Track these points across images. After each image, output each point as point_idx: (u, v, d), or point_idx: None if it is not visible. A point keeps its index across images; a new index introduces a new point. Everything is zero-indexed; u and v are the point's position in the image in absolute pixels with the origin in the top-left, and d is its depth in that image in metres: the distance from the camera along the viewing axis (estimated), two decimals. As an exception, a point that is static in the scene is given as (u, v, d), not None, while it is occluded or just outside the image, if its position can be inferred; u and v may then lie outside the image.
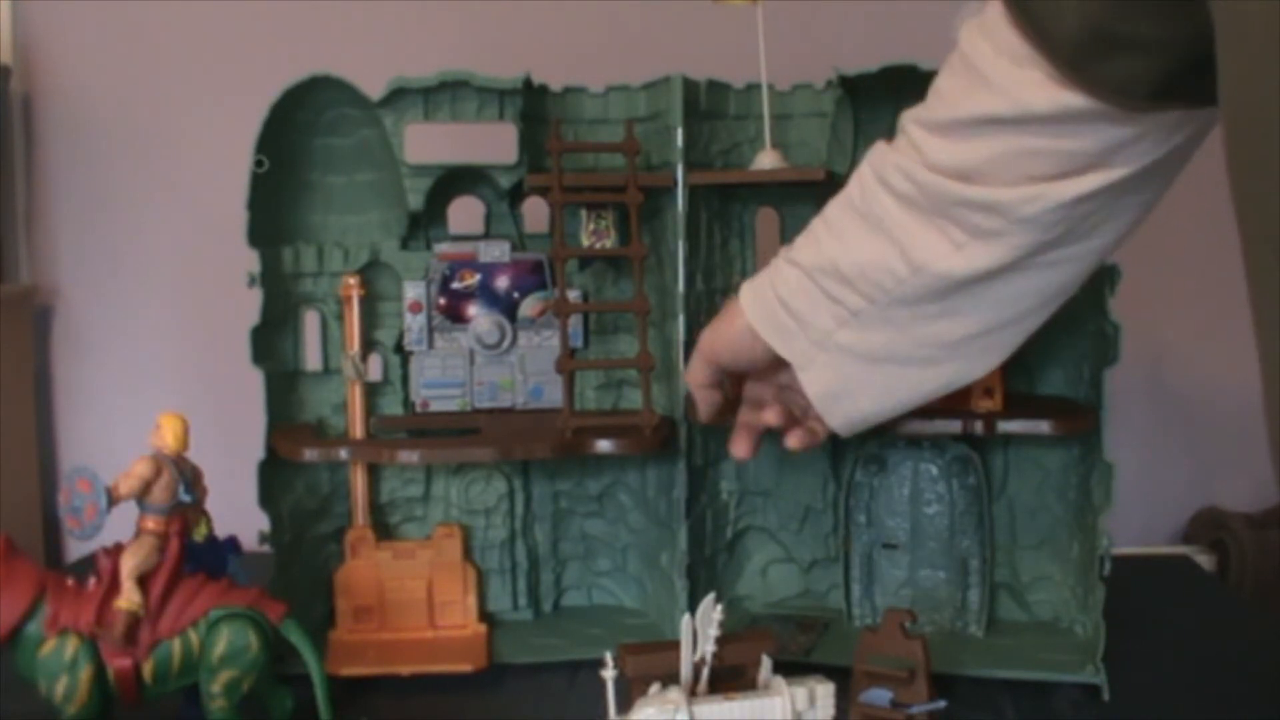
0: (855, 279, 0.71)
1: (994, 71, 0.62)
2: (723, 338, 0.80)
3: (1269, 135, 0.45)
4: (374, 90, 0.98)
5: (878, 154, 0.71)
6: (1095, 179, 0.63)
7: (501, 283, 1.07)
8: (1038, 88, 0.61)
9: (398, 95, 0.98)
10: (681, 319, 1.00)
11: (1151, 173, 0.64)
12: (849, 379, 0.75)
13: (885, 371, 0.74)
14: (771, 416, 0.82)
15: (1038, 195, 0.64)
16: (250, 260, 0.99)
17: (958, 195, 0.65)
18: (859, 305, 0.72)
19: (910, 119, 0.69)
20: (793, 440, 0.82)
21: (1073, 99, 0.60)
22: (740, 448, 0.85)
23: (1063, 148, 0.62)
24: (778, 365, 0.79)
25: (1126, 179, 0.64)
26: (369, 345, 1.06)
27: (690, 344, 1.01)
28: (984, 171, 0.65)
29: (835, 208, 0.74)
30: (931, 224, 0.68)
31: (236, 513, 0.94)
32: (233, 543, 0.93)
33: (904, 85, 0.97)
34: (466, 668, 0.96)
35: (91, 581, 0.81)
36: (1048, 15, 0.58)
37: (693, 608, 0.74)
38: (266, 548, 0.99)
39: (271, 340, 1.02)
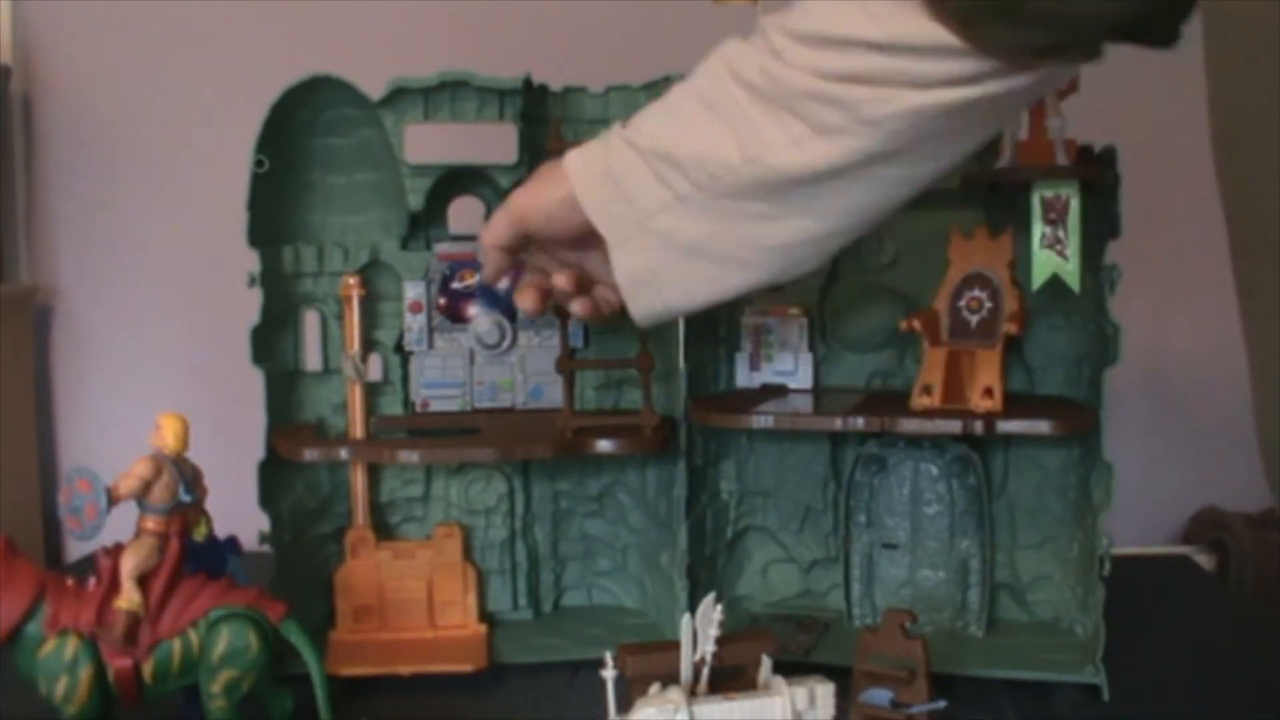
0: (687, 163, 0.70)
1: (875, 5, 0.62)
2: (538, 202, 0.77)
3: (1257, 137, 0.45)
4: (374, 90, 0.98)
5: (731, 48, 0.70)
6: (949, 95, 0.63)
7: (501, 283, 1.07)
8: (914, 21, 0.60)
9: (398, 95, 0.98)
10: (681, 319, 1.00)
11: (1001, 102, 0.64)
12: (659, 267, 0.74)
13: (696, 267, 0.73)
14: (563, 280, 0.80)
15: (889, 98, 0.63)
16: (250, 260, 0.99)
17: (808, 86, 0.65)
18: (686, 190, 0.70)
19: (774, 26, 0.67)
20: (578, 307, 0.80)
21: (950, 39, 0.60)
22: (528, 300, 0.82)
23: (924, 69, 0.62)
24: (586, 240, 0.77)
25: (977, 100, 0.63)
26: (369, 345, 1.06)
27: (690, 343, 1.01)
28: (840, 71, 0.64)
29: (679, 93, 0.72)
30: (775, 116, 0.67)
31: (236, 513, 0.94)
32: (233, 543, 0.93)
33: (904, 85, 0.97)
34: (466, 668, 0.96)
35: (91, 581, 0.81)
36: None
37: (693, 608, 0.74)
38: (266, 548, 0.99)
39: (271, 340, 1.02)
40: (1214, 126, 0.49)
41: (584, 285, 0.81)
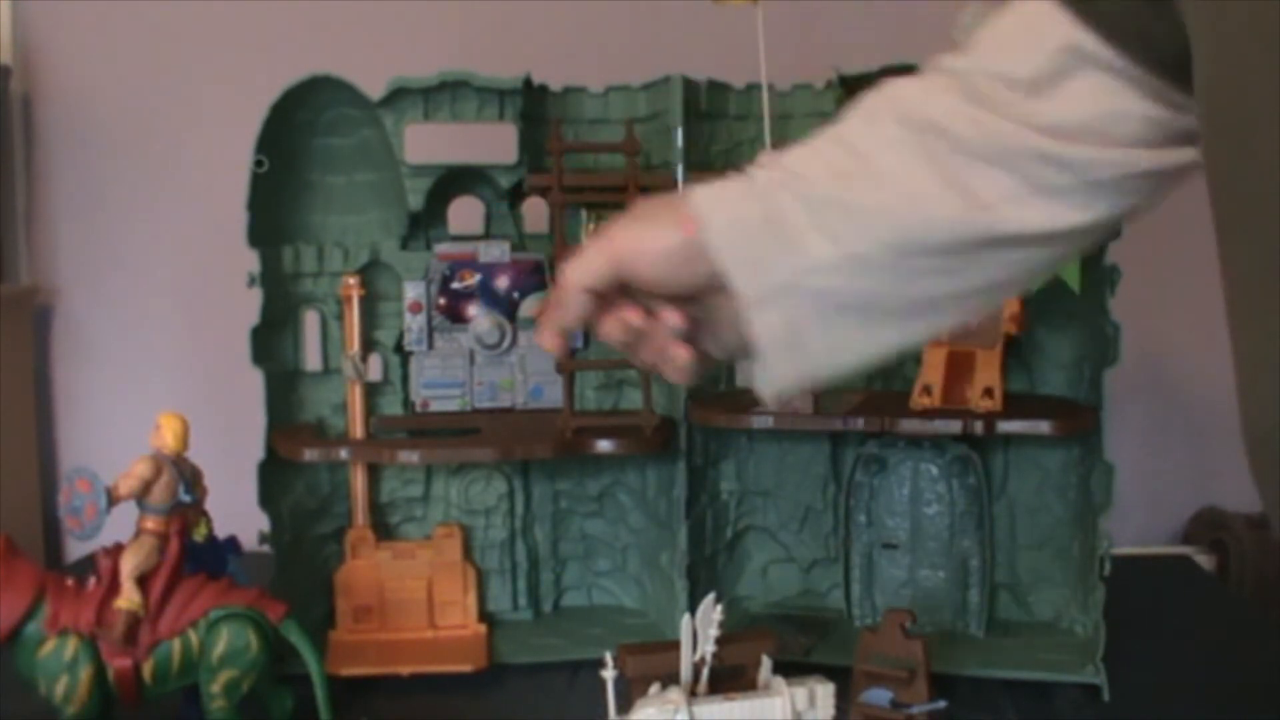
0: (872, 216, 0.61)
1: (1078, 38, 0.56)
2: (649, 248, 0.63)
3: (1246, 134, 0.45)
4: (374, 90, 0.98)
5: (915, 90, 0.63)
6: (1185, 154, 0.58)
7: (501, 283, 1.07)
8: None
9: (398, 95, 0.98)
10: (681, 319, 1.00)
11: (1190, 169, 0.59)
12: (805, 328, 0.63)
13: (849, 327, 0.63)
14: (676, 319, 0.65)
15: (1123, 160, 0.57)
16: (250, 260, 0.99)
17: (1032, 146, 0.58)
18: (863, 248, 0.61)
19: (977, 70, 0.60)
20: (672, 374, 0.67)
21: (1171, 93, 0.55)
22: (549, 341, 0.70)
23: (1154, 114, 0.57)
24: (705, 294, 0.64)
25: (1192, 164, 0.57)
26: (369, 345, 1.06)
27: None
28: (1084, 130, 0.58)
29: (856, 135, 0.63)
30: (984, 171, 0.60)
31: (236, 513, 0.94)
32: (233, 543, 0.93)
33: (904, 85, 0.97)
34: (466, 668, 0.96)
35: (91, 581, 0.81)
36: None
37: (693, 608, 0.74)
38: (266, 548, 0.99)
39: (271, 340, 1.02)
40: (1203, 119, 0.49)
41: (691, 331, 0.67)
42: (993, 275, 0.63)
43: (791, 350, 0.64)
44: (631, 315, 0.65)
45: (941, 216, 0.60)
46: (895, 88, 0.64)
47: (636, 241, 0.64)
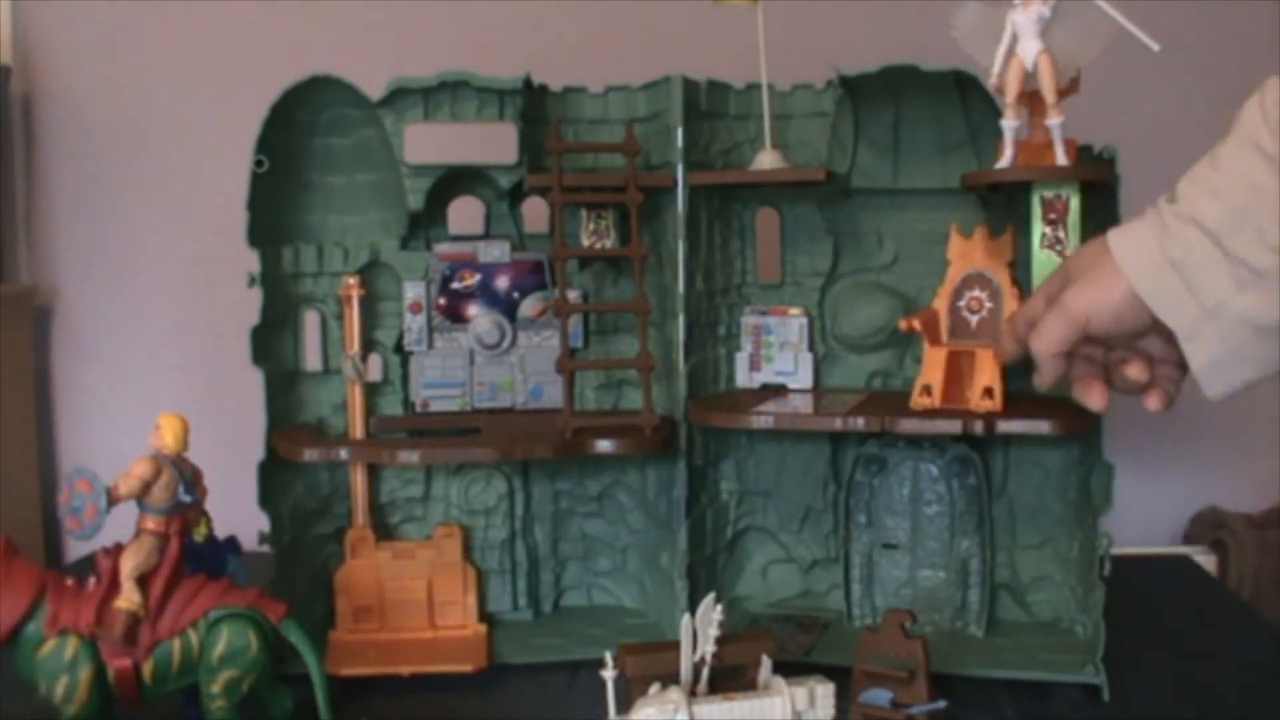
0: (1268, 231, 0.63)
1: None
2: (1102, 304, 0.70)
3: None
4: (374, 90, 0.98)
5: None
6: None
7: (501, 283, 1.07)
8: None
9: (398, 95, 0.98)
10: (681, 319, 1.00)
11: None
12: (1238, 349, 0.68)
13: (1275, 343, 0.67)
14: (1137, 371, 0.75)
15: None
16: (250, 260, 0.99)
17: None
18: (1269, 264, 0.63)
19: None
20: (1154, 402, 0.76)
21: None
22: (1099, 398, 0.77)
23: None
24: (1147, 330, 0.72)
25: None
26: (369, 345, 1.06)
27: (690, 343, 1.01)
28: None
29: (1235, 154, 0.66)
30: None
31: (236, 513, 0.94)
32: (233, 543, 0.93)
33: (904, 85, 0.98)
34: (466, 668, 0.96)
35: (91, 581, 0.81)
36: None
37: (693, 608, 0.74)
38: (266, 548, 0.99)
39: (271, 340, 1.02)
40: None
41: (1151, 369, 0.76)
42: None
43: (1226, 368, 0.69)
44: (1136, 370, 0.75)
45: None
46: (1268, 93, 0.65)
47: (1090, 301, 0.71)
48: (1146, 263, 0.69)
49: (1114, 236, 0.71)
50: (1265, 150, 0.64)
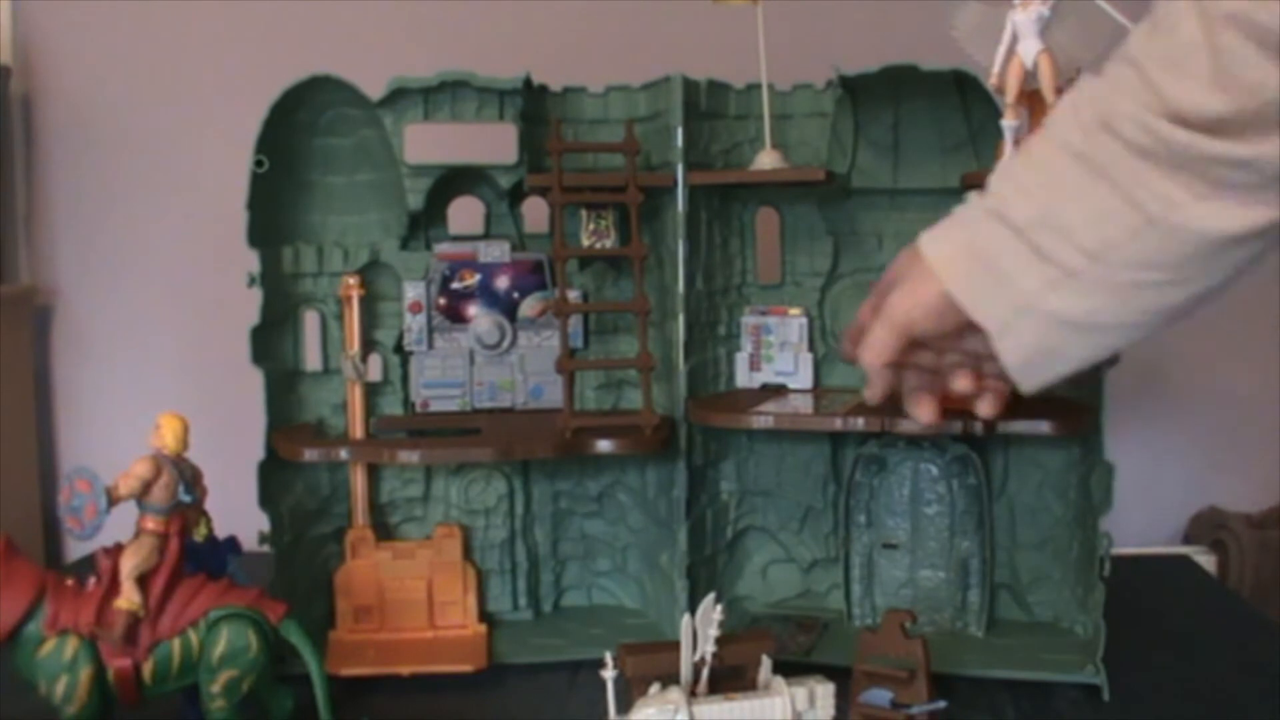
0: (1077, 231, 0.62)
1: (1242, 6, 0.55)
2: (920, 307, 0.69)
3: None
4: (374, 90, 0.98)
5: (1098, 95, 0.63)
6: None
7: (501, 283, 1.07)
8: None
9: (398, 95, 0.98)
10: (681, 319, 1.00)
11: None
12: (1050, 345, 0.67)
13: (1089, 340, 0.67)
14: (964, 383, 0.74)
15: None
16: (250, 260, 0.99)
17: (1208, 151, 0.58)
18: (1078, 264, 0.63)
19: (1147, 56, 0.60)
20: (985, 408, 0.75)
21: None
22: (928, 412, 0.76)
23: None
24: (966, 330, 0.70)
25: None
26: (369, 345, 1.06)
27: (690, 344, 1.01)
28: (1239, 121, 0.57)
29: (1045, 152, 0.65)
30: (1171, 175, 0.60)
31: (236, 513, 0.94)
32: (233, 543, 0.93)
33: (904, 85, 0.98)
34: (466, 668, 0.96)
35: (91, 581, 0.81)
36: None
37: (693, 608, 0.74)
38: (266, 548, 0.99)
39: (271, 340, 1.02)
40: None
41: (979, 378, 0.74)
42: (1208, 280, 0.63)
43: (1041, 365, 0.68)
44: (963, 383, 0.74)
45: (1134, 223, 0.61)
46: (1090, 89, 0.64)
47: (909, 305, 0.70)
48: (957, 262, 0.68)
49: (925, 238, 0.70)
50: (1074, 149, 0.63)
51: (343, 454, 0.98)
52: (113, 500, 0.81)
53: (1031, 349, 0.67)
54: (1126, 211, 0.61)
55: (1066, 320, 0.65)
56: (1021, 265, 0.65)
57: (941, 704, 0.82)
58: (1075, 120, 0.64)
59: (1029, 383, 0.70)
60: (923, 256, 0.69)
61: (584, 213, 1.03)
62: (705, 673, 0.73)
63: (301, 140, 1.02)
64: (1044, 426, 0.91)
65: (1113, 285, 0.63)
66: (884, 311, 0.72)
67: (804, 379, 1.06)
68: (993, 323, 0.67)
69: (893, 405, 0.94)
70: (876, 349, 0.72)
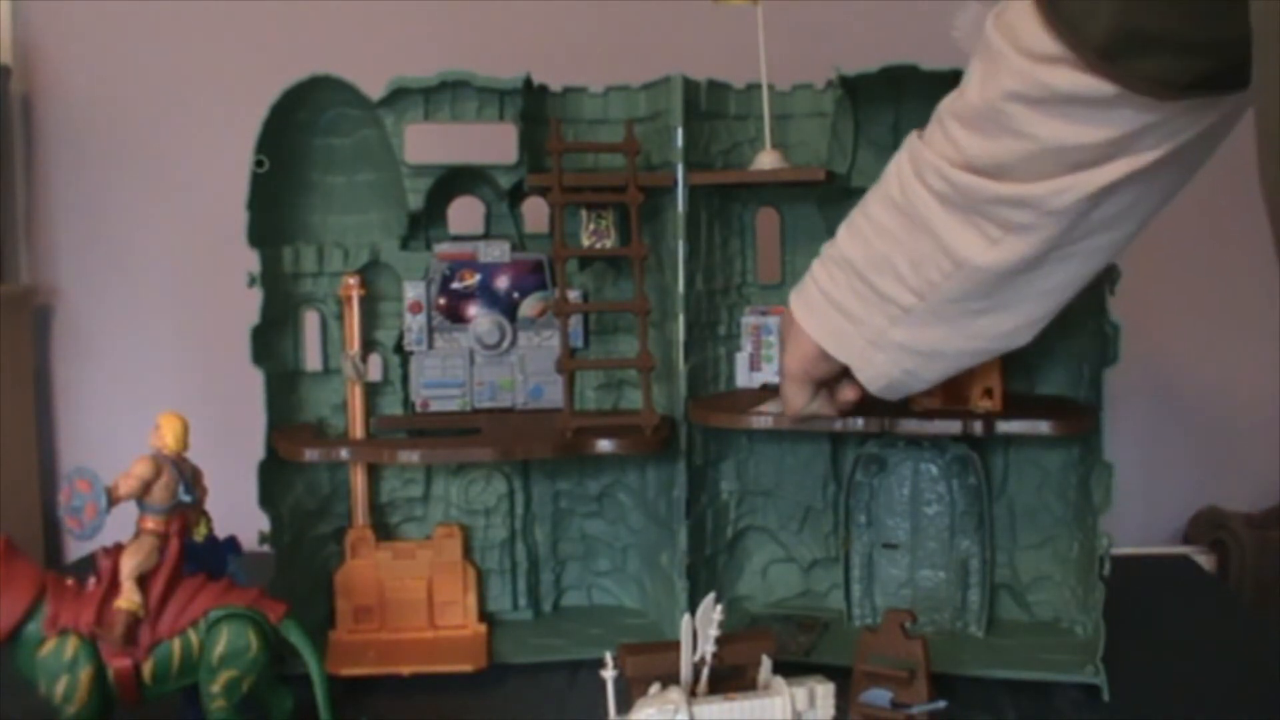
0: (906, 275, 0.72)
1: (1018, 60, 0.63)
2: (806, 359, 0.81)
3: None
4: (374, 90, 0.98)
5: (914, 148, 0.72)
6: (1122, 166, 0.64)
7: (501, 283, 1.07)
8: (1062, 76, 0.61)
9: (398, 95, 0.98)
10: (681, 319, 1.00)
11: (1178, 157, 0.65)
12: (907, 371, 0.77)
13: (940, 361, 0.77)
14: (850, 393, 0.85)
15: (1067, 187, 0.65)
16: (250, 260, 0.99)
17: (991, 193, 0.67)
18: (910, 302, 0.73)
19: (946, 110, 0.70)
20: (849, 393, 0.85)
21: (1098, 84, 0.60)
22: (853, 392, 0.85)
23: (1088, 137, 0.63)
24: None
25: (1153, 164, 0.64)
26: (369, 345, 1.06)
27: (690, 344, 1.01)
28: (1015, 166, 0.65)
29: (876, 204, 0.74)
30: (968, 220, 0.69)
31: (236, 513, 0.94)
32: (233, 543, 0.93)
33: (904, 85, 0.98)
34: (466, 668, 0.96)
35: (91, 581, 0.81)
36: (1078, 14, 0.59)
37: (693, 608, 0.74)
38: (266, 548, 0.99)
39: (271, 340, 1.02)
40: (1260, 118, 0.50)
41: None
42: (1033, 303, 0.72)
43: (902, 388, 0.80)
44: (848, 393, 0.85)
45: (945, 266, 0.71)
46: (912, 143, 0.73)
47: (800, 360, 0.82)
48: (816, 313, 0.79)
49: (793, 297, 0.82)
50: (896, 201, 0.72)
51: (343, 454, 0.98)
52: (113, 500, 0.81)
53: (889, 375, 0.78)
54: (938, 256, 0.70)
55: (912, 349, 0.76)
56: (866, 306, 0.75)
57: (941, 704, 0.82)
58: (897, 174, 0.73)
59: (895, 396, 0.82)
60: (796, 316, 0.81)
61: (584, 213, 1.03)
62: (705, 673, 0.73)
63: (301, 140, 1.02)
64: (1044, 426, 0.91)
65: (943, 317, 0.73)
66: (783, 371, 0.85)
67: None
68: (853, 359, 0.78)
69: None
70: (790, 401, 0.86)
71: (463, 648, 1.00)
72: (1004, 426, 0.92)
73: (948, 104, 0.70)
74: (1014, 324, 0.73)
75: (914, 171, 0.71)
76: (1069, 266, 0.70)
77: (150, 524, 0.83)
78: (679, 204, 0.99)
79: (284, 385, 1.03)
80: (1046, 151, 0.64)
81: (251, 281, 0.99)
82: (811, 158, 1.03)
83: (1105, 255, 0.71)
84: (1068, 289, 0.72)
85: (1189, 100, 0.61)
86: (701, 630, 0.73)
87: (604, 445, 0.96)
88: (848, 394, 0.85)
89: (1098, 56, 0.59)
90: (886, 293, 0.74)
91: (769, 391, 1.05)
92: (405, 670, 0.96)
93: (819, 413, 0.87)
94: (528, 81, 1.00)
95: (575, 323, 1.07)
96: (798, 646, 0.99)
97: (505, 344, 1.07)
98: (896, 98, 1.01)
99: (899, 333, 0.75)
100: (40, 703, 0.80)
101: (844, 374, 0.83)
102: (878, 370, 0.78)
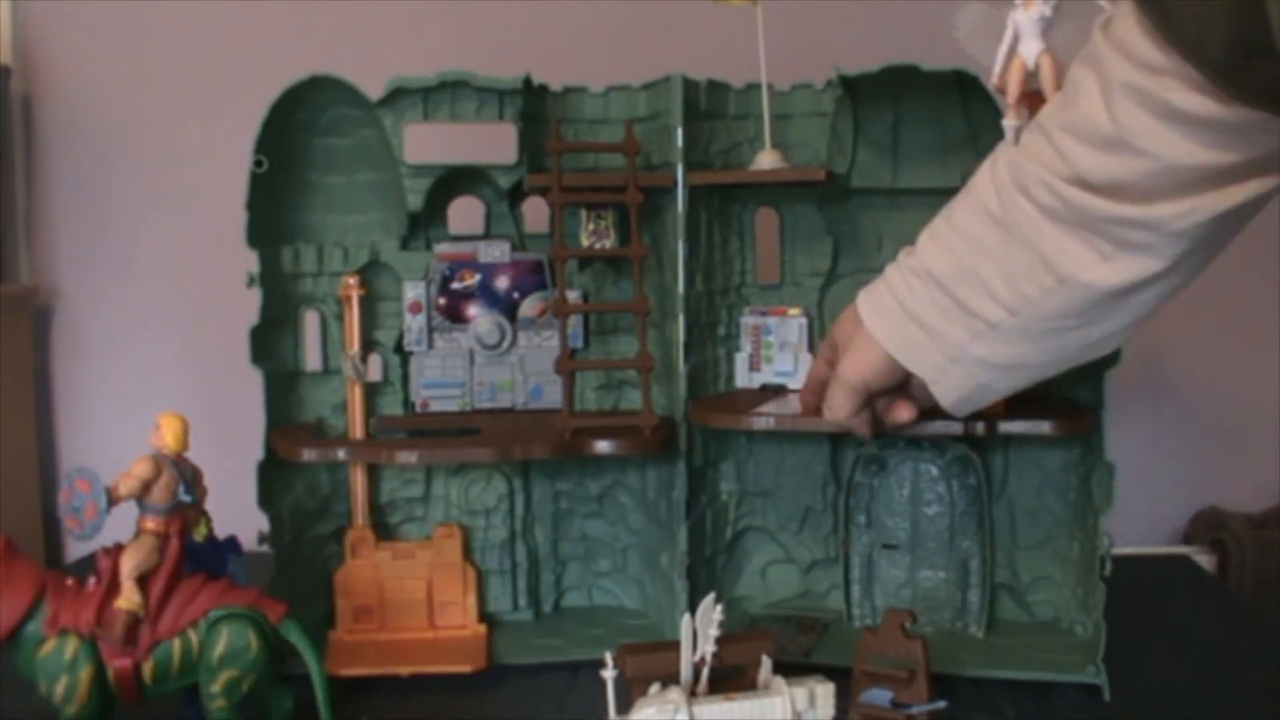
0: (997, 290, 0.70)
1: (1133, 75, 0.60)
2: (863, 365, 0.79)
3: None
4: (374, 90, 0.98)
5: (1014, 159, 0.69)
6: (1254, 187, 0.62)
7: (501, 283, 1.07)
8: (1183, 93, 0.58)
9: (397, 95, 0.98)
10: (681, 319, 1.00)
11: None
12: (983, 385, 0.76)
13: (1018, 373, 0.75)
14: (905, 413, 0.83)
15: (1193, 209, 0.62)
16: (250, 260, 0.99)
17: (1108, 212, 0.64)
18: (999, 318, 0.71)
19: (1052, 121, 0.66)
20: (905, 413, 0.83)
21: (1219, 101, 0.57)
22: (906, 412, 0.84)
23: (1213, 157, 0.60)
24: (910, 376, 0.79)
25: (1269, 191, 0.62)
26: (369, 345, 1.06)
27: (690, 345, 1.01)
28: (1133, 183, 0.62)
29: (967, 214, 0.72)
30: (1076, 236, 0.66)
31: (236, 513, 0.94)
32: (233, 543, 0.93)
33: (904, 85, 0.98)
34: (466, 668, 0.96)
35: (91, 581, 0.81)
36: (1194, 26, 0.56)
37: (693, 608, 0.74)
38: (266, 548, 0.99)
39: (271, 340, 1.02)
40: None
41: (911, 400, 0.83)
42: (1129, 316, 0.70)
43: (976, 401, 0.78)
44: (903, 413, 0.83)
45: (1047, 282, 0.68)
46: (1006, 155, 0.70)
47: (860, 368, 0.79)
48: (892, 323, 0.77)
49: (862, 302, 0.79)
50: (992, 213, 0.70)
51: (341, 454, 0.98)
52: (113, 500, 0.81)
53: (964, 390, 0.76)
54: (1039, 271, 0.68)
55: (992, 364, 0.74)
56: (948, 320, 0.73)
57: (941, 704, 0.82)
58: (993, 185, 0.70)
59: (962, 411, 0.80)
60: (862, 320, 0.78)
61: (584, 213, 1.03)
62: (705, 673, 0.73)
63: (301, 140, 1.02)
64: (1044, 426, 0.91)
65: (1031, 333, 0.71)
66: (839, 376, 0.81)
67: (804, 379, 1.06)
68: (929, 372, 0.76)
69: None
70: (838, 408, 0.82)
71: (462, 648, 1.00)
72: (1005, 426, 0.92)
73: (1054, 115, 0.66)
74: (1100, 336, 0.71)
75: (1015, 184, 0.68)
76: (1170, 282, 0.67)
77: (150, 524, 0.83)
78: (679, 204, 0.99)
79: (284, 385, 1.03)
80: (1167, 170, 0.61)
81: (251, 281, 0.99)
82: (811, 158, 1.03)
83: (1202, 269, 0.68)
84: (1160, 303, 0.69)
85: None
86: (701, 630, 0.73)
87: (603, 446, 0.96)
88: (902, 414, 0.83)
89: (1217, 72, 0.56)
90: (972, 307, 0.71)
91: (769, 392, 1.05)
92: (405, 670, 0.96)
93: (856, 430, 0.85)
94: (527, 81, 1.00)
95: (575, 323, 1.07)
96: (798, 647, 0.99)
97: (505, 344, 1.07)
98: (896, 98, 1.01)
99: (981, 348, 0.73)
100: (40, 703, 0.80)
101: (898, 389, 0.81)
102: (953, 384, 0.76)
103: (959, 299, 0.72)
